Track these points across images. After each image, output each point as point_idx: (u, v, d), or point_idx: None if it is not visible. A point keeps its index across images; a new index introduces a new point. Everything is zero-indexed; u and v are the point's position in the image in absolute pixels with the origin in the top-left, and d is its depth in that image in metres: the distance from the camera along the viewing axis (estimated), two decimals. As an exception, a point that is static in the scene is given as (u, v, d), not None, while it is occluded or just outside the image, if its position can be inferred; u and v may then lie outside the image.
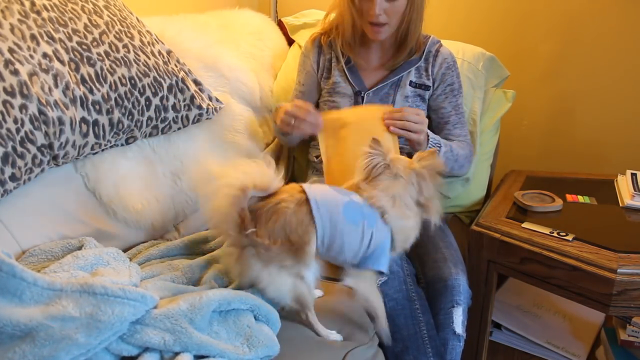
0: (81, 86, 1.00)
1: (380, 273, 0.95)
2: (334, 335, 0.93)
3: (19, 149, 0.90)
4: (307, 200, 0.87)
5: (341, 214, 0.88)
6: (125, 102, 1.08)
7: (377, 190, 0.93)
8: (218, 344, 0.80)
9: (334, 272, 1.21)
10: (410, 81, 1.36)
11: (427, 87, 1.37)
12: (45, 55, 0.96)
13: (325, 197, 0.89)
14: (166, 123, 1.20)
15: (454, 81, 1.37)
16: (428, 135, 1.25)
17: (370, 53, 1.39)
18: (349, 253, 0.91)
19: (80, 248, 0.97)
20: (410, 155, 1.02)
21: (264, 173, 0.87)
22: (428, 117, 1.38)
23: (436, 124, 1.41)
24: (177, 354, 0.78)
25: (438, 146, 1.27)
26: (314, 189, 0.90)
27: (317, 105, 1.47)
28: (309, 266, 0.88)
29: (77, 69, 1.00)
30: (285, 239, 0.85)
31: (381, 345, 1.06)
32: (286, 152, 1.67)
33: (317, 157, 1.43)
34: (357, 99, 1.37)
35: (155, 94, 1.14)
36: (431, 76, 1.37)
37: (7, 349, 0.70)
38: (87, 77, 1.01)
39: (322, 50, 1.43)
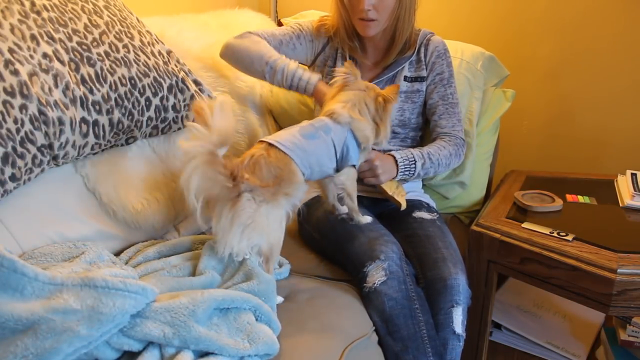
0: (81, 86, 1.00)
1: (353, 166, 1.14)
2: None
3: (19, 149, 0.90)
4: (271, 145, 1.00)
5: (301, 138, 1.04)
6: (125, 102, 1.08)
7: (328, 104, 1.13)
8: (218, 339, 0.80)
9: (334, 272, 1.21)
10: (405, 76, 1.38)
11: (422, 79, 1.39)
12: (45, 55, 0.96)
13: (281, 136, 1.04)
14: (166, 123, 1.20)
15: (443, 70, 1.38)
16: (397, 162, 1.29)
17: (365, 52, 1.41)
18: (327, 162, 1.08)
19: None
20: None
21: (220, 122, 0.92)
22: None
23: (427, 114, 1.43)
24: (177, 352, 0.79)
25: (413, 164, 1.30)
26: (271, 137, 1.03)
27: None
28: (300, 192, 1.03)
29: (77, 69, 1.00)
30: (275, 177, 0.97)
31: (381, 344, 1.06)
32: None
33: None
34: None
35: (155, 94, 1.14)
36: (424, 65, 1.38)
37: (9, 343, 0.71)
38: (87, 77, 1.01)
39: (332, 42, 1.44)
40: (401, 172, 1.29)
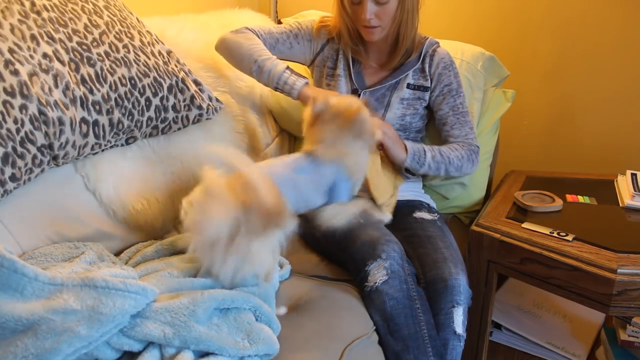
0: (81, 86, 1.00)
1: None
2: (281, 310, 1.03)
3: (19, 149, 0.90)
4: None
5: (293, 173, 1.03)
6: (125, 103, 1.08)
7: (312, 138, 1.09)
8: (218, 339, 0.80)
9: (334, 272, 1.21)
10: (408, 83, 1.38)
11: (425, 88, 1.39)
12: (45, 55, 0.96)
13: (274, 169, 1.03)
14: (166, 123, 1.20)
15: (451, 81, 1.38)
16: (406, 147, 1.30)
17: (369, 54, 1.41)
18: (315, 198, 1.08)
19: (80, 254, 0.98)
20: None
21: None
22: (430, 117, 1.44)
23: (436, 125, 1.42)
24: (177, 352, 0.79)
25: (423, 153, 1.31)
26: (264, 168, 1.01)
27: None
28: (286, 227, 0.98)
29: (77, 69, 1.00)
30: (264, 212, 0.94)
31: (381, 344, 1.06)
32: (286, 151, 1.67)
33: None
34: (354, 95, 1.38)
35: (155, 94, 1.14)
36: (429, 76, 1.38)
37: (9, 343, 0.71)
38: (87, 78, 1.02)
39: (332, 43, 1.44)
40: (410, 156, 1.29)
